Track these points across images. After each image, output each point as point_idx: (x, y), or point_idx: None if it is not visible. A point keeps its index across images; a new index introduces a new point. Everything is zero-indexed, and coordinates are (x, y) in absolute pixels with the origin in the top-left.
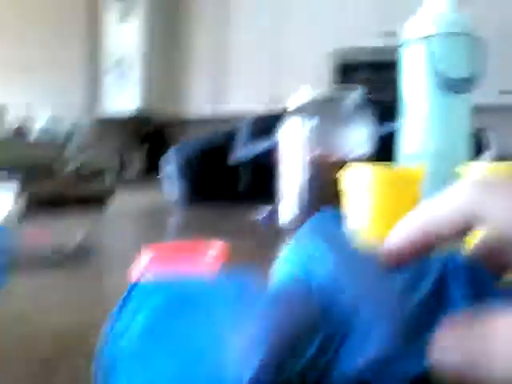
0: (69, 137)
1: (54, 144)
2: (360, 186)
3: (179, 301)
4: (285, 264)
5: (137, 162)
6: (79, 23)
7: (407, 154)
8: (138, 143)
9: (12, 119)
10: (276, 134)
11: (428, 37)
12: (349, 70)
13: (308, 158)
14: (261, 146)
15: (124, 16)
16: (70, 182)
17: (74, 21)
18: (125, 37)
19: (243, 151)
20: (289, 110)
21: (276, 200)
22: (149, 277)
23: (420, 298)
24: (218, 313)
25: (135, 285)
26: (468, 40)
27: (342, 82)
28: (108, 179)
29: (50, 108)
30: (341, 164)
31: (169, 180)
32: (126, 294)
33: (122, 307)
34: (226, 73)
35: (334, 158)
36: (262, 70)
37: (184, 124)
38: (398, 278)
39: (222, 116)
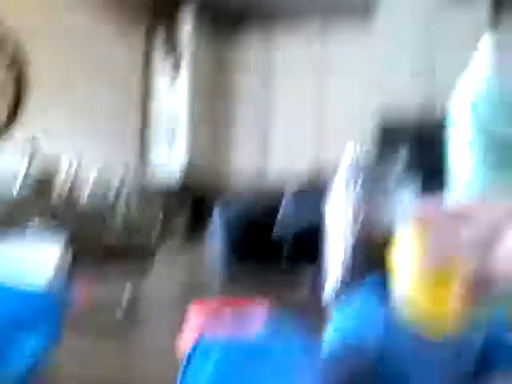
0: (119, 192)
1: (105, 198)
2: (407, 252)
3: (240, 356)
4: (336, 328)
5: (182, 221)
6: (134, 86)
7: None
8: (184, 204)
9: (64, 171)
10: (321, 203)
11: (473, 101)
12: (391, 134)
13: (354, 224)
14: (306, 214)
15: (174, 77)
16: (117, 236)
17: (129, 82)
18: (174, 101)
19: (288, 220)
20: (334, 177)
21: (321, 266)
22: (206, 336)
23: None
24: (276, 366)
25: (197, 344)
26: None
27: (384, 145)
28: (154, 236)
29: (100, 161)
30: (388, 231)
31: (213, 240)
32: (190, 352)
33: (187, 365)
34: (270, 134)
35: (380, 225)
36: (304, 131)
37: (229, 182)
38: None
39: (267, 176)
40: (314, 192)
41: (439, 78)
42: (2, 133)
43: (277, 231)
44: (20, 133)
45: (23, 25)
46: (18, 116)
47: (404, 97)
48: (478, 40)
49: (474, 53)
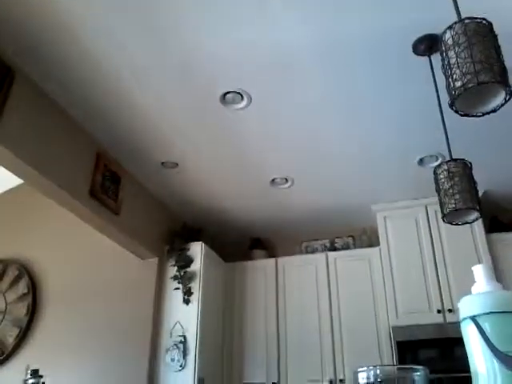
0: None
1: None
2: None
3: None
4: None
5: None
6: (148, 306)
7: None
8: None
9: None
10: None
11: (479, 315)
12: (409, 347)
13: None
14: None
15: (186, 299)
16: None
17: (144, 305)
18: (186, 319)
19: None
20: None
21: None
22: None
23: None
24: None
25: None
26: None
27: (404, 358)
28: None
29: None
30: None
31: None
32: None
33: None
34: (282, 349)
35: None
36: (317, 351)
37: None
38: None
39: None
40: None
41: (446, 290)
42: (7, 357)
43: None
44: (25, 359)
45: (41, 261)
46: (26, 341)
47: (419, 313)
48: (477, 254)
49: (474, 268)
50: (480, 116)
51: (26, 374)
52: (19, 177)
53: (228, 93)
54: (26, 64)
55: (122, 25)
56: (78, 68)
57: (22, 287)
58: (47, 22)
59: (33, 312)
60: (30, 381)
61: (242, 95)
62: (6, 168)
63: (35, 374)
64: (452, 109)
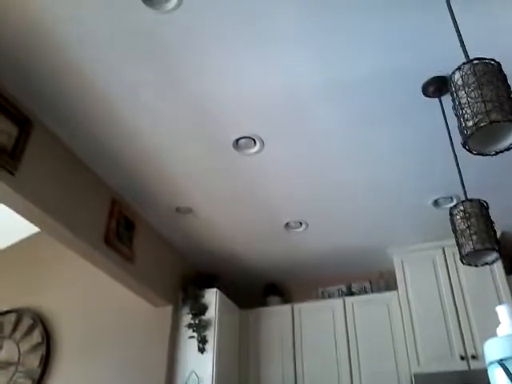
0: None
1: None
2: None
3: None
4: None
5: None
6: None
7: None
8: None
9: None
10: None
11: (506, 359)
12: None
13: None
14: None
15: (201, 348)
16: None
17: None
18: (201, 369)
19: None
20: None
21: None
22: None
23: None
24: None
25: None
26: None
27: None
28: None
29: None
30: None
31: None
32: None
33: None
34: None
35: None
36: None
37: None
38: None
39: None
40: None
41: (468, 335)
42: None
43: None
44: None
45: (55, 310)
46: None
47: (442, 359)
48: (498, 297)
49: (498, 308)
50: (494, 155)
51: None
52: (35, 224)
53: (241, 138)
54: (43, 113)
55: (134, 69)
56: (87, 108)
57: (36, 336)
58: (66, 83)
59: (46, 363)
60: None
61: (254, 140)
62: (23, 216)
63: None
64: (465, 148)
